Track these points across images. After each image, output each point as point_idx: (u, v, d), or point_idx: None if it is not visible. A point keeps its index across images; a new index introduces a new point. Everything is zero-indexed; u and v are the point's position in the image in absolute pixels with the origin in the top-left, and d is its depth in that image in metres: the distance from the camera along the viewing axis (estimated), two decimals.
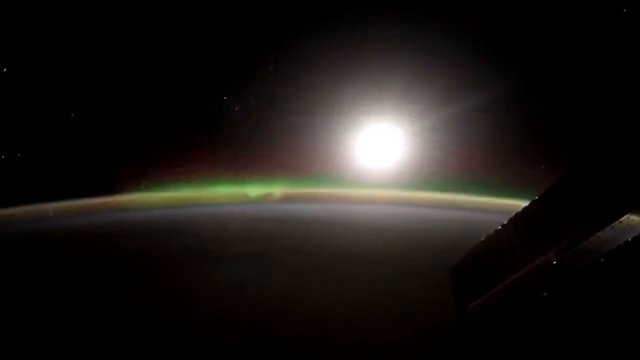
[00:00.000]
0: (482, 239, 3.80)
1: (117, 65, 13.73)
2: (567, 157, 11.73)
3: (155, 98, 14.30)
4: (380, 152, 15.15)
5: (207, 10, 13.45)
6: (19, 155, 13.77)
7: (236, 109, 14.32)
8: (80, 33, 13.08)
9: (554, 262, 3.32)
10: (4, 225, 13.50)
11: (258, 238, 12.87)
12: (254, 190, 16.15)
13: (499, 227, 3.72)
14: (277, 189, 16.44)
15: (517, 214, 3.65)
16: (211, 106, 14.94)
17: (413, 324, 7.03)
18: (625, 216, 3.33)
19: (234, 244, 12.17)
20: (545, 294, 3.29)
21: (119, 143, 14.43)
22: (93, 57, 13.50)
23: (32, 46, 12.86)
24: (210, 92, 14.75)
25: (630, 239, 3.20)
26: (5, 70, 11.43)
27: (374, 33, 13.59)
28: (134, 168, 14.62)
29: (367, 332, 7.02)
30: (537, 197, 3.60)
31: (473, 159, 14.18)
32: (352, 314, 7.67)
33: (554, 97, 13.02)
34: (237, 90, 14.68)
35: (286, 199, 16.71)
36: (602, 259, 3.17)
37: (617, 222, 3.34)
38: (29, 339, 6.69)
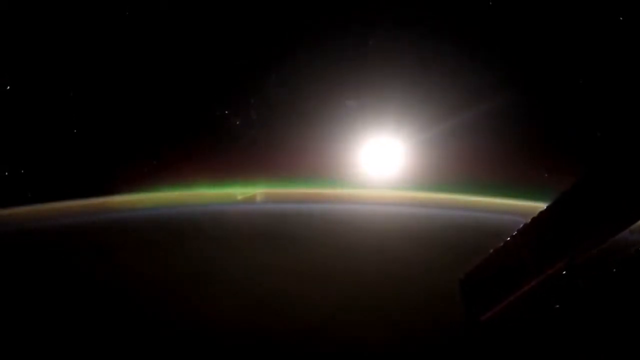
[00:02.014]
0: (491, 250, 3.74)
1: (119, 68, 13.74)
2: (570, 158, 11.69)
3: (155, 101, 14.31)
4: (381, 154, 15.13)
5: (209, 17, 13.45)
6: (18, 155, 13.73)
7: (237, 122, 14.39)
8: (83, 36, 13.06)
9: (565, 272, 3.27)
10: (4, 225, 13.47)
11: (255, 237, 12.86)
12: (249, 191, 16.20)
13: (509, 238, 3.66)
14: (275, 190, 16.45)
15: (526, 225, 3.60)
16: (211, 111, 14.97)
17: (420, 333, 6.97)
18: (636, 223, 3.28)
19: (233, 242, 12.19)
20: (557, 305, 3.25)
21: (119, 144, 14.43)
22: (95, 60, 13.50)
23: (33, 47, 12.82)
24: (209, 95, 14.76)
25: None
26: (8, 88, 11.41)
27: (375, 42, 13.62)
28: (134, 168, 14.61)
29: (368, 334, 6.97)
30: (546, 207, 3.55)
31: (476, 160, 14.15)
32: (352, 320, 7.61)
33: (556, 100, 12.98)
34: (237, 101, 14.72)
35: (284, 200, 16.74)
36: (614, 268, 3.13)
37: (627, 230, 3.28)
38: (29, 338, 6.68)
